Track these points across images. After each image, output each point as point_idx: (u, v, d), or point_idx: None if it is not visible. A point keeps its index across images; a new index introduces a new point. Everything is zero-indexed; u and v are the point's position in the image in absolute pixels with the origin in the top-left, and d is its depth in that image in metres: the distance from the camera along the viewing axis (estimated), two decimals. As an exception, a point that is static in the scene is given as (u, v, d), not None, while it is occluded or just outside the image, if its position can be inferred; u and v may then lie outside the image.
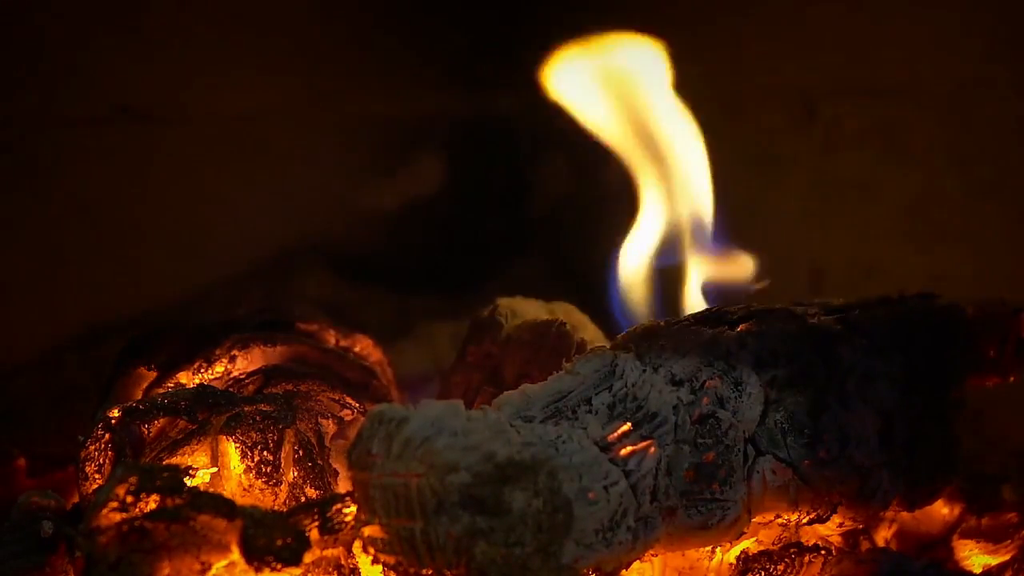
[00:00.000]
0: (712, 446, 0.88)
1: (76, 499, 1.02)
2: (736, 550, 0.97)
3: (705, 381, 0.90)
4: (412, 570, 0.80)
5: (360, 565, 0.92)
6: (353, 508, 0.85)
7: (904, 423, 0.93)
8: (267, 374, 1.06)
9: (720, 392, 0.90)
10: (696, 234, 1.16)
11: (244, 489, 0.95)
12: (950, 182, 1.46)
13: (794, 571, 0.94)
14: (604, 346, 0.97)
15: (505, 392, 0.88)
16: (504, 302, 1.16)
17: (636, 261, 1.16)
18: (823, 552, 0.94)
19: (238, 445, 0.96)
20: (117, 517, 0.84)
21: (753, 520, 0.92)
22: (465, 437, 0.79)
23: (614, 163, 1.26)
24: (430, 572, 0.80)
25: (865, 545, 1.02)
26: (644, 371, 0.89)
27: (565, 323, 1.07)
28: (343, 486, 0.97)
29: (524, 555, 0.78)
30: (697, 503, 0.87)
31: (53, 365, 1.51)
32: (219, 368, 1.06)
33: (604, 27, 1.28)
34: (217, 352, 1.06)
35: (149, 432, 0.99)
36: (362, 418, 0.93)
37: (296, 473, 0.97)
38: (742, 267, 1.16)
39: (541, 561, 0.79)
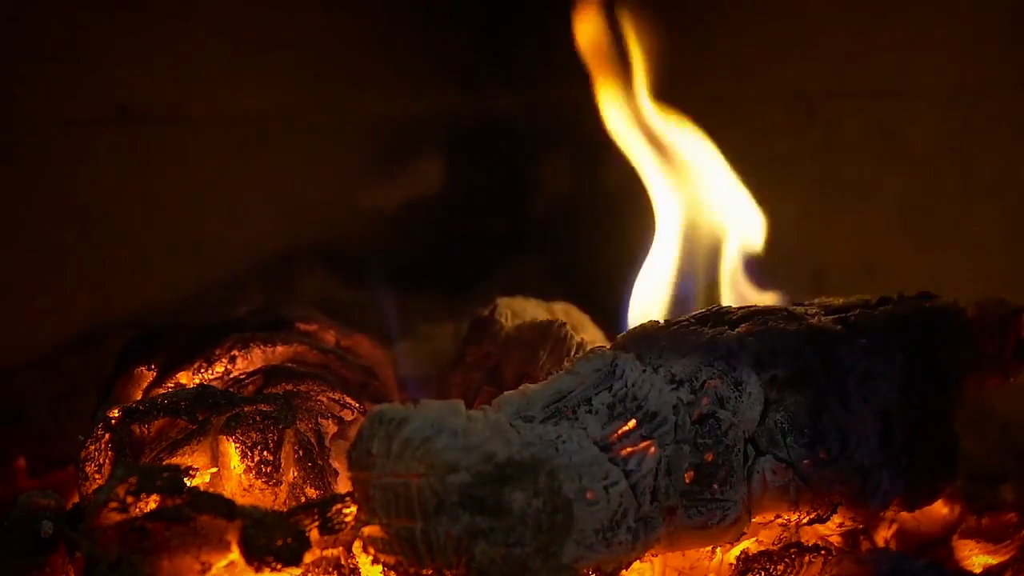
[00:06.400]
0: (712, 446, 0.88)
1: (76, 499, 1.02)
2: (736, 550, 0.97)
3: (705, 381, 0.90)
4: (412, 570, 0.80)
5: (360, 565, 0.92)
6: (353, 508, 0.85)
7: (904, 423, 0.93)
8: (267, 374, 1.06)
9: (720, 392, 0.90)
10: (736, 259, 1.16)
11: (244, 489, 0.95)
12: (950, 182, 1.46)
13: (794, 571, 0.94)
14: (604, 346, 0.97)
15: (505, 392, 0.88)
16: (504, 302, 1.16)
17: (653, 288, 1.16)
18: (823, 552, 0.94)
19: (238, 445, 0.96)
20: (117, 517, 0.84)
21: (753, 520, 0.92)
22: (465, 437, 0.79)
23: (616, 163, 1.26)
24: (430, 572, 0.80)
25: (865, 545, 1.02)
26: (644, 371, 0.90)
27: (565, 323, 1.07)
28: (343, 486, 0.97)
29: (524, 555, 0.78)
30: (697, 503, 0.87)
31: (53, 365, 1.51)
32: (219, 368, 1.06)
33: (603, 28, 1.28)
34: (217, 352, 1.06)
35: (149, 432, 0.99)
36: (362, 418, 0.93)
37: (296, 473, 0.97)
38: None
39: (541, 561, 0.79)
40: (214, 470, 0.96)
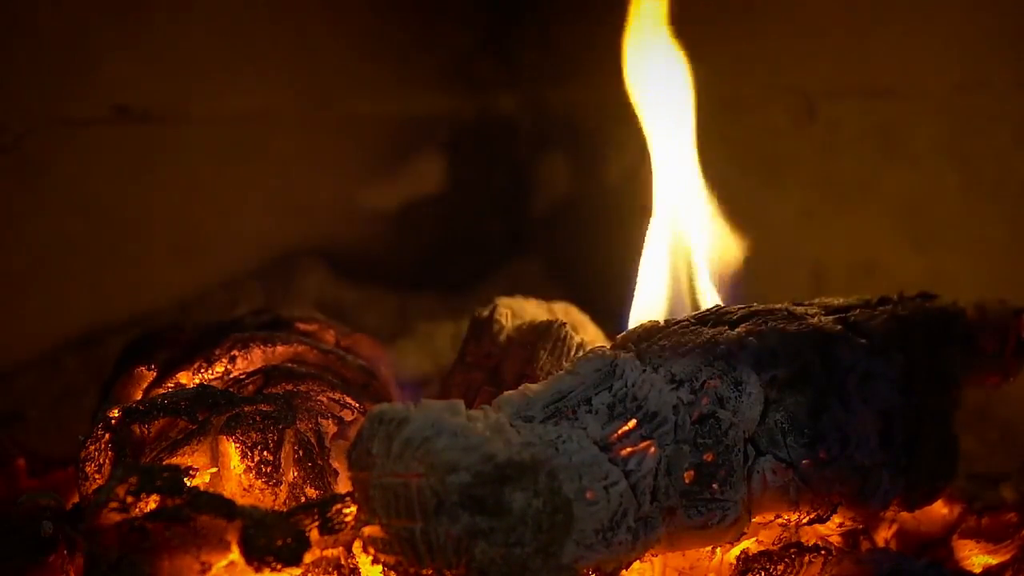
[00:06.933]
0: (712, 446, 0.88)
1: (76, 499, 1.02)
2: (736, 550, 0.97)
3: (705, 381, 0.90)
4: (412, 570, 0.80)
5: (360, 565, 0.92)
6: (353, 508, 0.85)
7: (904, 423, 0.93)
8: (267, 374, 1.06)
9: (720, 392, 0.90)
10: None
11: (244, 489, 0.95)
12: (950, 182, 1.46)
13: (794, 571, 0.94)
14: (604, 346, 0.97)
15: (505, 392, 0.88)
16: (504, 302, 1.16)
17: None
18: (823, 552, 0.94)
19: (238, 445, 0.96)
20: (117, 517, 0.84)
21: (753, 520, 0.92)
22: (465, 437, 0.79)
23: (616, 163, 1.26)
24: (430, 572, 0.80)
25: (865, 545, 1.02)
26: (644, 371, 0.89)
27: (565, 323, 1.07)
28: (343, 486, 0.97)
29: (524, 555, 0.78)
30: (697, 503, 0.87)
31: (53, 365, 1.51)
32: (219, 368, 1.06)
33: (604, 28, 1.28)
34: (217, 352, 1.06)
35: (149, 432, 0.99)
36: (362, 418, 0.93)
37: (296, 473, 0.97)
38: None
39: (541, 561, 0.79)
40: (214, 470, 0.95)
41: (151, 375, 1.07)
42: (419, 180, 1.88)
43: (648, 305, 1.15)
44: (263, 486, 0.96)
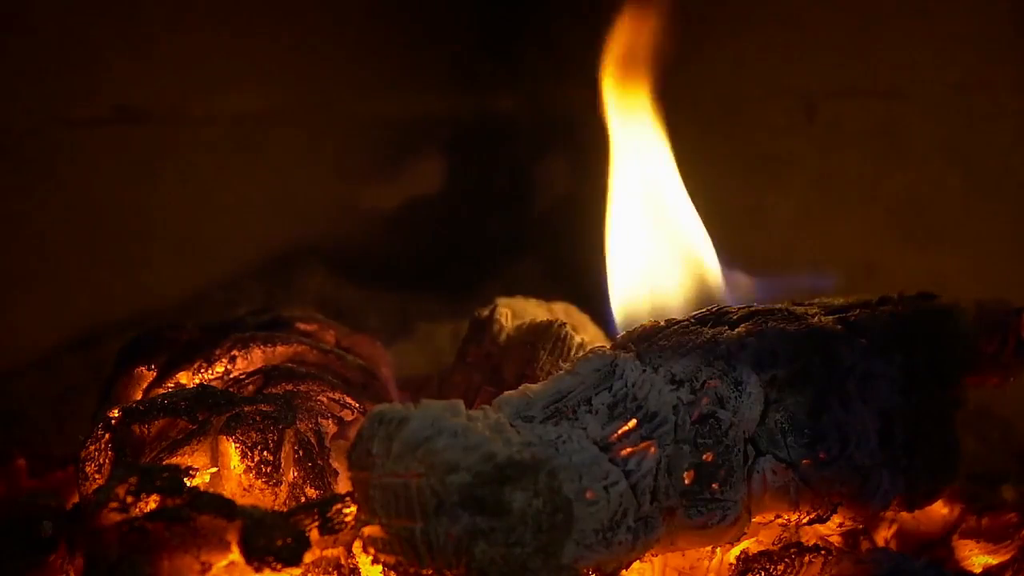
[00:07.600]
0: (712, 446, 0.88)
1: (76, 499, 1.02)
2: (736, 550, 0.97)
3: (705, 381, 0.90)
4: (412, 570, 0.80)
5: (360, 565, 0.92)
6: (353, 508, 0.85)
7: (904, 423, 0.93)
8: (267, 374, 1.06)
9: (720, 392, 0.90)
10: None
11: (244, 489, 0.95)
12: (950, 182, 1.46)
13: (794, 571, 0.94)
14: (604, 346, 0.97)
15: (505, 392, 0.88)
16: (504, 302, 1.16)
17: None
18: (823, 552, 0.94)
19: (238, 445, 0.96)
20: (117, 517, 0.84)
21: (753, 520, 0.92)
22: (465, 437, 0.79)
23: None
24: (430, 572, 0.80)
25: (865, 545, 1.02)
26: (644, 371, 0.89)
27: (565, 323, 1.07)
28: (343, 486, 0.97)
29: (524, 555, 0.78)
30: (697, 503, 0.87)
31: (53, 365, 1.51)
32: (219, 368, 1.06)
33: (604, 29, 1.28)
34: (217, 352, 1.06)
35: (149, 432, 0.99)
36: (362, 418, 0.93)
37: (296, 473, 0.97)
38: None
39: (541, 561, 0.79)
40: (214, 470, 0.95)
41: (151, 375, 1.07)
42: (419, 180, 1.88)
43: (627, 289, 1.15)
44: (263, 486, 0.96)
